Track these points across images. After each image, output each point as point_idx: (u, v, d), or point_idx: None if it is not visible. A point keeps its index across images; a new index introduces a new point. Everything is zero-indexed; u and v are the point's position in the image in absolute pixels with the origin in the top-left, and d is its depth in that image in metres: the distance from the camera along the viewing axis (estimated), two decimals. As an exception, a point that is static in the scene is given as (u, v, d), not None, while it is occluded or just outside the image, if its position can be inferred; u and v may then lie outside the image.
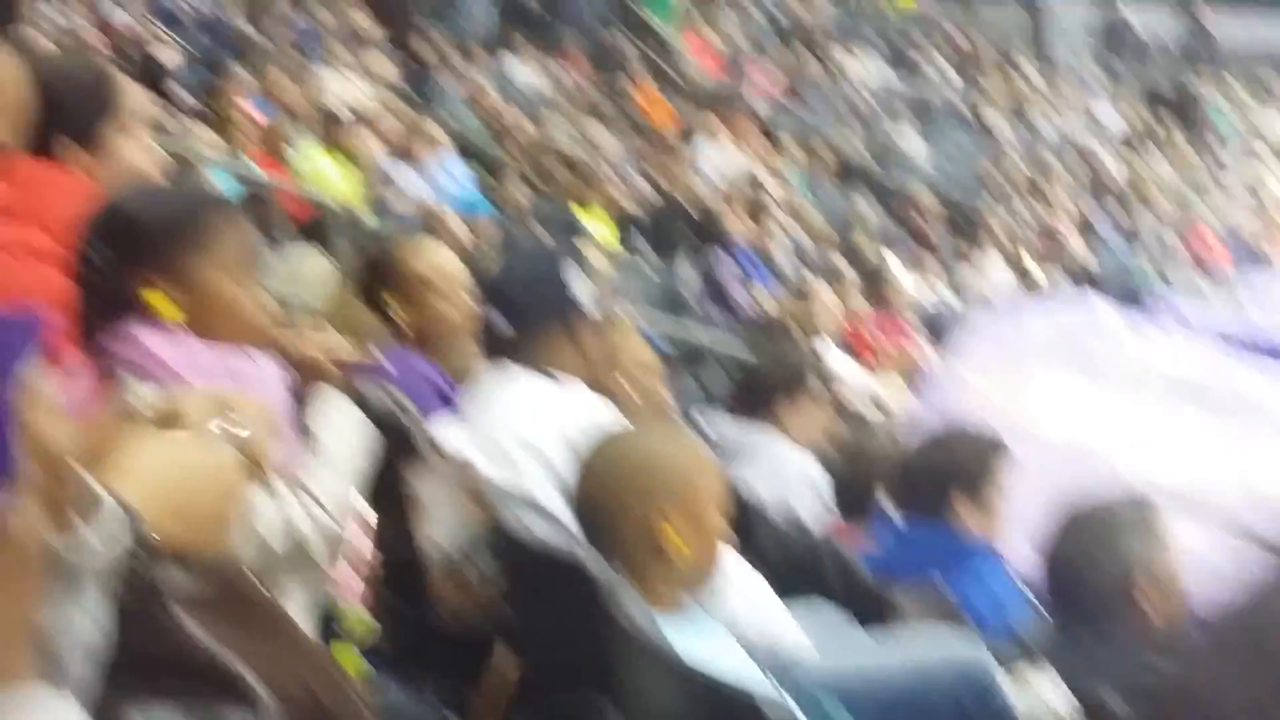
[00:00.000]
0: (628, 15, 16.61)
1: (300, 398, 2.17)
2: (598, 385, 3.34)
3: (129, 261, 2.04)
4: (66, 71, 2.59)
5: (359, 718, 1.42)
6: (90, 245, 2.05)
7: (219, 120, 9.69)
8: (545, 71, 14.66)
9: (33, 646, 0.88)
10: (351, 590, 2.21)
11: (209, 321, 2.07)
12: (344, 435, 2.16)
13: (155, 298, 2.04)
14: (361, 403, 3.73)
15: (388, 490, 3.23)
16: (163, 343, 2.03)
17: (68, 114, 2.53)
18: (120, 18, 12.05)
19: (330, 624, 2.82)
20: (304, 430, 2.16)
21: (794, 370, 4.87)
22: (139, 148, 2.66)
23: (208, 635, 1.31)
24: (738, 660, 2.50)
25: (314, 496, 2.08)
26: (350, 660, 3.56)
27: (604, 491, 2.52)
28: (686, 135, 13.67)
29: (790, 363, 4.94)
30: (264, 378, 2.09)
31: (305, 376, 2.16)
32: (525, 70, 14.61)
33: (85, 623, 0.98)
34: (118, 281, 2.04)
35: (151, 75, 11.15)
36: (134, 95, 2.68)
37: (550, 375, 3.17)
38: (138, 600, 1.30)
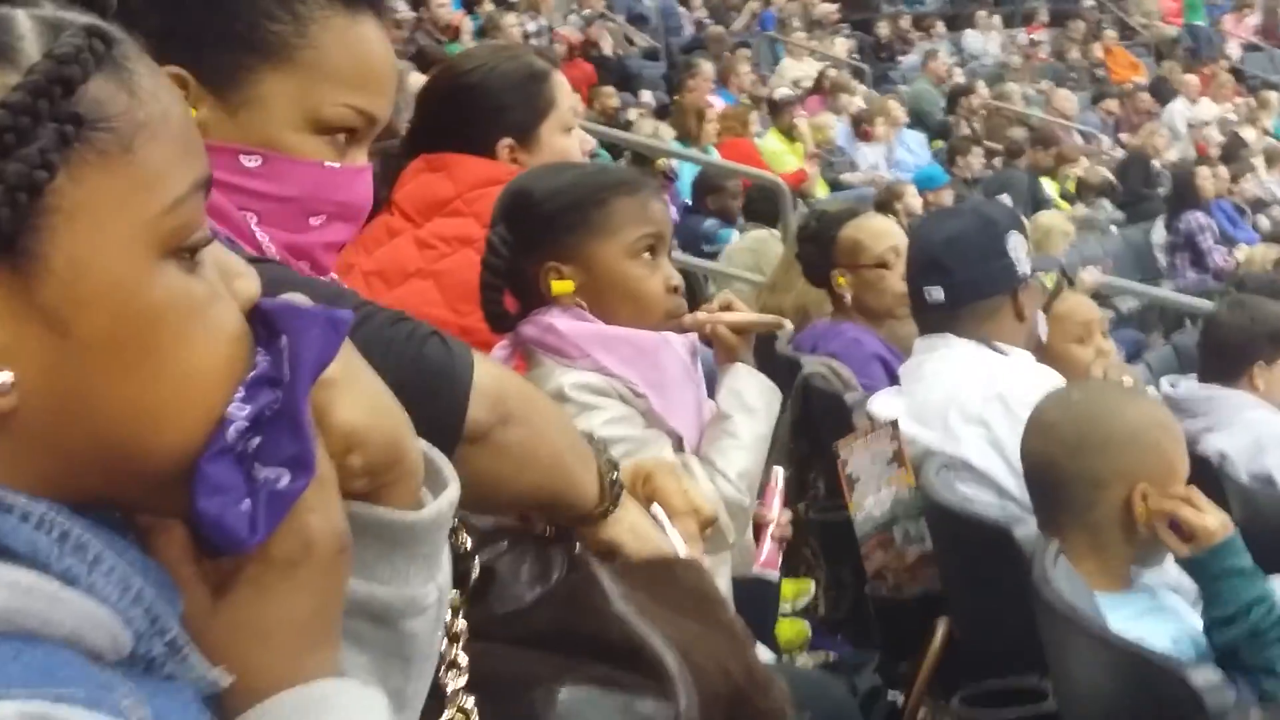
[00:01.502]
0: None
1: (710, 373, 2.18)
2: (1043, 354, 3.24)
3: (533, 247, 2.09)
4: (508, 75, 2.67)
5: (776, 702, 1.41)
6: (496, 231, 2.10)
7: (681, 110, 9.94)
8: (1005, 39, 14.32)
9: (337, 641, 0.90)
10: (773, 561, 2.22)
11: (614, 303, 2.09)
12: (753, 410, 2.16)
13: (559, 282, 2.08)
14: (803, 381, 3.79)
15: (822, 460, 3.26)
16: (573, 325, 2.07)
17: (510, 118, 2.61)
18: (585, 19, 12.56)
19: (764, 595, 2.88)
20: (715, 406, 2.17)
21: (1273, 329, 4.54)
22: (574, 144, 2.74)
23: (636, 615, 1.34)
24: (1181, 636, 2.39)
25: (723, 473, 2.09)
26: (792, 628, 3.63)
27: (1076, 463, 2.41)
28: (1156, 90, 13.06)
29: (1269, 322, 4.60)
30: (674, 357, 2.11)
31: (716, 353, 2.17)
32: (984, 39, 14.32)
33: (436, 595, 0.99)
34: (523, 266, 2.09)
35: (616, 71, 11.61)
36: (568, 92, 2.75)
37: (993, 346, 3.08)
38: (572, 579, 1.36)
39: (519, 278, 2.11)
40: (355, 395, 0.91)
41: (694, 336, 2.16)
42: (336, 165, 1.44)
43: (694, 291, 7.09)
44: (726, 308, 2.21)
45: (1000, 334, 3.08)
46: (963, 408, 2.96)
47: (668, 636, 1.33)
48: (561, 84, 2.74)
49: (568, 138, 2.72)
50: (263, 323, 0.85)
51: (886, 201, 8.61)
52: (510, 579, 1.33)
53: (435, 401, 1.24)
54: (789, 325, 2.35)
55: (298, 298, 0.87)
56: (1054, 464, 2.45)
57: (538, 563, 1.36)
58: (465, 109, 2.67)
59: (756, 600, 2.82)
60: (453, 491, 1.01)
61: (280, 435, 0.82)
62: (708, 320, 2.16)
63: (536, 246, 2.09)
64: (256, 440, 0.81)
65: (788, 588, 3.62)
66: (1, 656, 0.72)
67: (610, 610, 1.34)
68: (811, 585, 3.81)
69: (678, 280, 2.13)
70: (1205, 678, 1.74)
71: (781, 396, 2.24)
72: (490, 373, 1.33)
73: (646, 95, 11.23)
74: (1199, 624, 2.40)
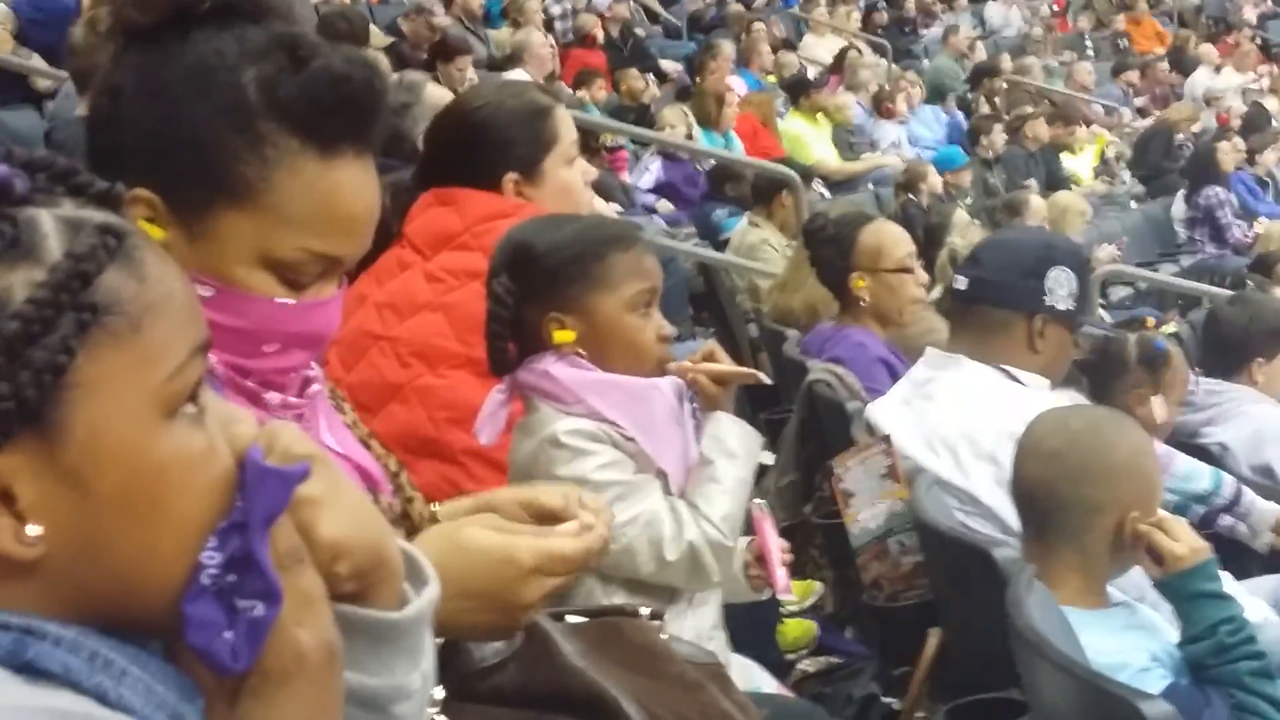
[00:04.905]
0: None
1: (697, 418, 2.28)
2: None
3: (535, 297, 2.19)
4: (513, 112, 2.76)
5: None
6: (500, 282, 2.19)
7: (701, 94, 9.98)
8: (1028, 10, 14.31)
9: None
10: (777, 583, 2.32)
11: (612, 352, 2.19)
12: (734, 455, 2.26)
13: (561, 332, 2.18)
14: (808, 387, 3.89)
15: (822, 467, 3.35)
16: (567, 372, 2.19)
17: (515, 152, 2.71)
18: (609, 2, 12.59)
19: (762, 615, 2.99)
20: (699, 450, 2.27)
21: (1272, 325, 4.57)
22: (576, 176, 2.84)
23: (596, 672, 1.46)
24: (1160, 651, 2.50)
25: (707, 516, 2.21)
26: (799, 628, 3.77)
27: (1078, 491, 2.50)
28: (1177, 60, 13.04)
29: (1268, 319, 4.61)
30: (663, 402, 2.23)
31: (698, 400, 2.27)
32: (1006, 11, 14.30)
33: (421, 682, 1.10)
34: (523, 314, 2.19)
35: (638, 54, 11.67)
36: (570, 126, 2.85)
37: (1006, 371, 3.04)
38: (532, 645, 1.47)
39: (521, 326, 2.21)
40: (337, 511, 1.02)
41: (681, 381, 2.27)
42: (291, 301, 1.47)
43: (713, 285, 7.19)
44: (709, 357, 2.30)
45: (1010, 357, 3.05)
46: (975, 442, 2.97)
47: (623, 687, 1.46)
48: (564, 119, 2.84)
49: (570, 170, 2.82)
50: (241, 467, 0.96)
51: (911, 182, 8.66)
52: (473, 646, 1.45)
53: None
54: (765, 379, 2.44)
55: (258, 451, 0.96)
56: (1054, 490, 2.53)
57: None
58: (472, 144, 2.78)
59: (756, 620, 2.95)
60: (433, 590, 1.12)
61: (249, 573, 0.93)
62: (690, 370, 2.26)
63: (539, 297, 2.18)
64: (233, 577, 0.93)
65: (795, 588, 3.75)
66: None
67: (569, 664, 1.47)
68: (819, 586, 3.94)
69: (668, 330, 2.24)
70: (1157, 709, 1.85)
71: (763, 440, 2.35)
72: None
73: (670, 74, 11.25)
74: (1175, 637, 2.52)
